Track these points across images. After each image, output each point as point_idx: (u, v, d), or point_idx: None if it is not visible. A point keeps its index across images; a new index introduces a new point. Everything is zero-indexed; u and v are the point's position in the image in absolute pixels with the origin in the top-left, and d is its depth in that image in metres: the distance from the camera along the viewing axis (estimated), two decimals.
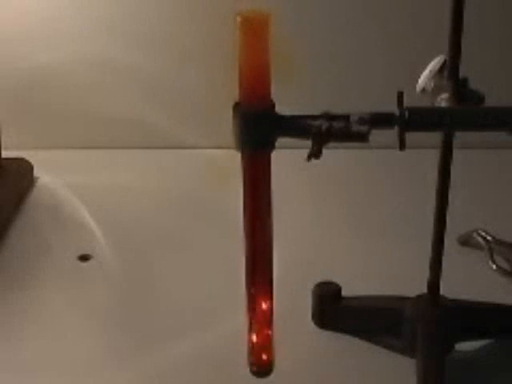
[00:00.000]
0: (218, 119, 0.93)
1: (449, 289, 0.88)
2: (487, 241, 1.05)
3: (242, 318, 0.78)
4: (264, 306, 0.76)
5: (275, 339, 0.78)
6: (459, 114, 0.72)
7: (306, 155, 0.69)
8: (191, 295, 0.99)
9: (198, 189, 1.20)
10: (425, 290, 0.88)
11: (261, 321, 0.77)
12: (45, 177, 1.25)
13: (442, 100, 0.77)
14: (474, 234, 1.07)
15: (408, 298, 0.89)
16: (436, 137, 0.82)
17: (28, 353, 0.91)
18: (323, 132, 0.68)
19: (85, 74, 1.28)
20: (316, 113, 0.69)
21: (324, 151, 0.68)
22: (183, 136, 1.28)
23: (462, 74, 0.79)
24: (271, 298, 0.76)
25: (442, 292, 0.88)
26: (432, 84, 0.79)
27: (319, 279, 0.95)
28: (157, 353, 0.90)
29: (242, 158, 0.71)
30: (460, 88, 0.78)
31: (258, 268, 0.75)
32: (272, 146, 0.70)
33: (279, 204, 0.74)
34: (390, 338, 0.90)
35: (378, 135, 0.68)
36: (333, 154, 0.71)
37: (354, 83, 1.29)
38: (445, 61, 0.79)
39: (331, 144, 0.68)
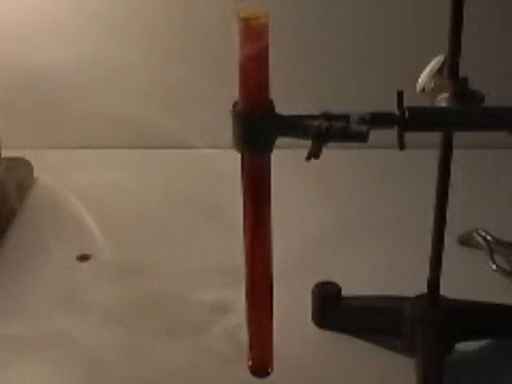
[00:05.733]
0: (218, 119, 0.93)
1: (449, 289, 0.88)
2: (487, 241, 1.05)
3: (241, 317, 0.78)
4: (264, 306, 0.76)
5: (275, 339, 0.78)
6: (459, 114, 0.72)
7: (305, 155, 0.68)
8: (191, 295, 0.98)
9: (197, 189, 1.20)
10: (425, 290, 0.88)
11: (260, 321, 0.77)
12: (45, 177, 1.25)
13: (442, 100, 0.77)
14: (474, 234, 1.07)
15: (408, 298, 0.89)
16: (436, 137, 0.82)
17: (27, 351, 0.91)
18: (323, 132, 0.68)
19: (85, 74, 1.28)
20: (316, 113, 0.69)
21: (324, 151, 0.68)
22: (183, 136, 1.28)
23: (461, 73, 0.79)
24: (271, 298, 0.76)
25: (441, 292, 0.88)
26: (432, 84, 0.79)
27: (319, 279, 0.95)
28: (156, 352, 0.90)
29: (242, 158, 0.71)
30: (460, 88, 0.78)
31: (257, 268, 0.75)
32: (272, 146, 0.70)
33: (279, 204, 0.74)
34: (390, 338, 0.90)
35: (377, 135, 0.68)
36: (333, 154, 0.71)
37: (354, 83, 1.29)
38: (445, 60, 0.79)
39: (331, 144, 0.68)
